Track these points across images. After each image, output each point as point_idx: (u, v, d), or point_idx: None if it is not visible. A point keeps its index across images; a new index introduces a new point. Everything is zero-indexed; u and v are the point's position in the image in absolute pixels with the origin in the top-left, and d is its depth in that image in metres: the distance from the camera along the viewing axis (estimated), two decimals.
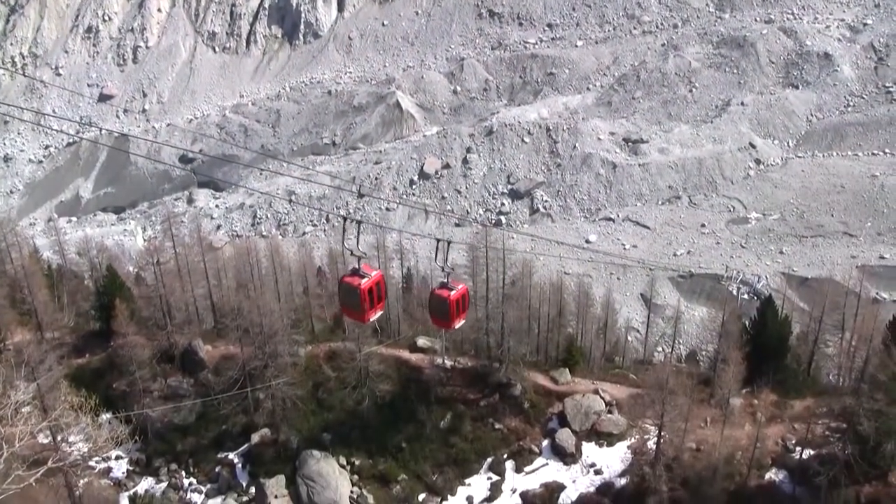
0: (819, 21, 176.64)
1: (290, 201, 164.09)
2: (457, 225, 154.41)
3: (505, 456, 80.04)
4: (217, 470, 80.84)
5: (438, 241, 42.73)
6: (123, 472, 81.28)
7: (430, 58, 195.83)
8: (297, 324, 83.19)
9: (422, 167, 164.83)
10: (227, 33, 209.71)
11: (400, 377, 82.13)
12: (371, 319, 42.93)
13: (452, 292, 44.26)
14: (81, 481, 67.25)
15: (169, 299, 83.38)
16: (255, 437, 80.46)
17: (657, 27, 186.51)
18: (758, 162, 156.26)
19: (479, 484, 78.97)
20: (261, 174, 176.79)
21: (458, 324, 46.64)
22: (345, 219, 41.36)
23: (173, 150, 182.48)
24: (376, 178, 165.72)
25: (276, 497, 77.04)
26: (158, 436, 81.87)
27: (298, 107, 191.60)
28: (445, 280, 44.99)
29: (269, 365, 76.48)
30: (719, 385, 75.36)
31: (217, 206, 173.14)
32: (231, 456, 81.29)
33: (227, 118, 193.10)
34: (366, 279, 40.93)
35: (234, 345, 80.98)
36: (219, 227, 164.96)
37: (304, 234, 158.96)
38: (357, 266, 41.40)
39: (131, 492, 79.35)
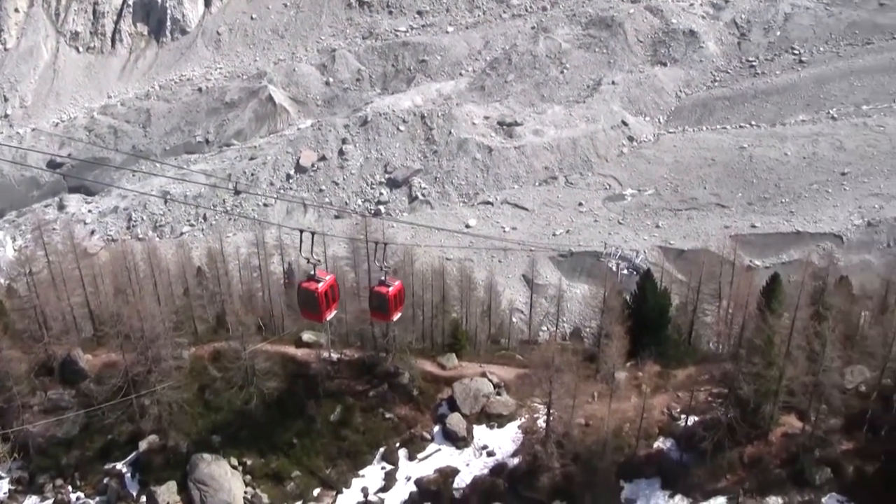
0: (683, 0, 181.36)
1: (166, 202, 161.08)
2: (336, 217, 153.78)
3: (397, 444, 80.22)
4: (105, 481, 78.90)
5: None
6: (5, 493, 78.75)
7: (301, 50, 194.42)
8: (179, 326, 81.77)
9: (298, 161, 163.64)
10: (90, 32, 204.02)
11: (287, 373, 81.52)
12: (328, 318, 48.74)
13: (390, 288, 50.46)
14: None
15: (44, 310, 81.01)
16: (143, 445, 78.78)
17: (526, 10, 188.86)
18: (631, 139, 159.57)
19: (373, 474, 79.01)
20: (134, 176, 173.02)
21: (396, 316, 53.79)
22: (302, 231, 45.11)
23: (40, 155, 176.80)
24: (252, 174, 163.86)
25: None
26: (41, 451, 79.53)
27: (169, 105, 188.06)
28: (383, 278, 50.83)
29: (153, 370, 75.04)
30: (604, 360, 76.86)
31: (90, 210, 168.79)
32: (119, 466, 79.46)
33: (95, 120, 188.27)
34: (321, 283, 46.53)
35: (115, 352, 79.23)
36: (93, 232, 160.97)
37: (181, 234, 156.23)
38: (313, 272, 46.49)
39: None
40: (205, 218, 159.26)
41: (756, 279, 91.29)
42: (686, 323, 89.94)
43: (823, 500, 66.73)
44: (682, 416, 74.64)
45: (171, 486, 76.71)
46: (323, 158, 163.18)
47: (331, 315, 48.88)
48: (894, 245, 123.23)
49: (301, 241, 44.85)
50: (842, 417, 69.32)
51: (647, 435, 74.01)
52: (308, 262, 46.55)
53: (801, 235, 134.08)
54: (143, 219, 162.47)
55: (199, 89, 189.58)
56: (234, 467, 78.01)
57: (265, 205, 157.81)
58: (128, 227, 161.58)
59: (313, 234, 45.18)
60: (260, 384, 78.10)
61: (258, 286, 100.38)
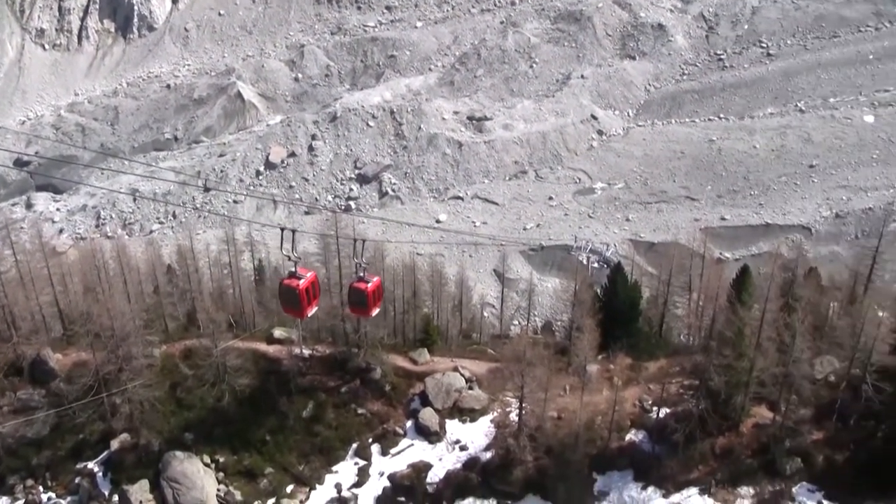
0: None
1: (135, 200, 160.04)
2: (306, 213, 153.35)
3: (370, 440, 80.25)
4: (77, 481, 78.31)
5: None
6: None
7: (270, 46, 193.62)
8: (149, 324, 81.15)
9: (267, 157, 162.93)
10: (56, 29, 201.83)
11: (259, 370, 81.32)
12: (309, 314, 50.87)
13: (369, 285, 52.22)
14: None
15: (12, 309, 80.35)
16: (115, 444, 78.30)
17: (495, 5, 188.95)
18: (600, 133, 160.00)
19: (346, 470, 79.00)
20: (102, 174, 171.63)
21: (375, 312, 55.18)
22: (282, 229, 46.66)
23: (7, 153, 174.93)
24: (222, 171, 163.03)
25: (140, 502, 75.47)
26: (11, 452, 78.78)
27: (137, 102, 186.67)
28: (362, 274, 52.41)
29: (124, 368, 74.60)
30: (575, 353, 77.10)
31: (58, 209, 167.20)
32: (90, 465, 78.92)
33: (62, 118, 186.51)
34: (303, 280, 48.52)
35: (85, 351, 78.61)
36: (61, 230, 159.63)
37: (151, 232, 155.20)
38: (294, 269, 48.52)
39: None
40: (174, 215, 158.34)
41: (726, 271, 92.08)
42: (657, 315, 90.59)
43: (794, 489, 67.40)
44: (654, 409, 75.21)
45: (144, 484, 76.31)
46: (292, 155, 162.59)
47: (312, 311, 50.69)
48: (862, 236, 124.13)
49: (282, 238, 45.88)
50: (812, 407, 70.11)
51: (619, 427, 74.34)
52: (289, 259, 48.00)
53: (770, 227, 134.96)
54: (112, 217, 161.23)
55: (168, 86, 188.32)
56: (206, 465, 77.72)
57: (235, 202, 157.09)
58: (97, 226, 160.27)
59: (294, 231, 46.45)
60: (232, 381, 77.88)
61: (229, 283, 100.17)
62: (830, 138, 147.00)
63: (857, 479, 65.71)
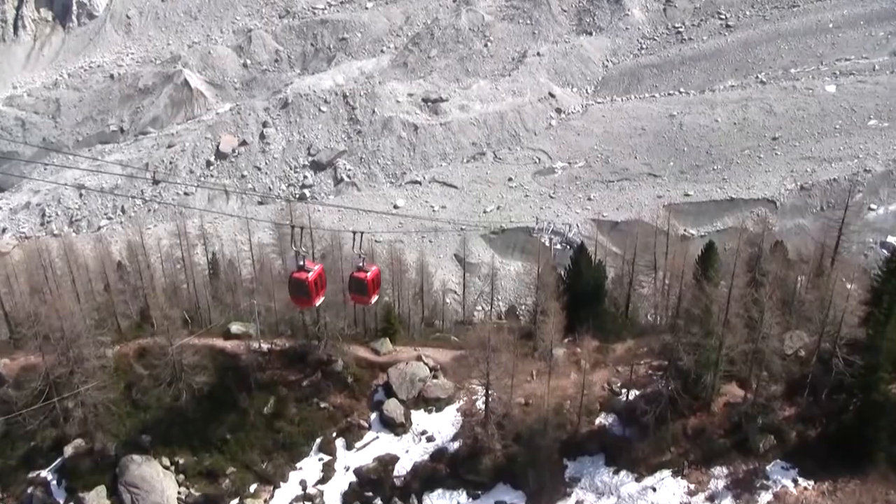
0: None
1: (81, 195, 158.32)
2: (260, 203, 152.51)
3: (334, 434, 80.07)
4: (29, 491, 77.34)
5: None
6: None
7: (217, 31, 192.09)
8: (101, 324, 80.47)
9: (217, 147, 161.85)
10: None
11: (216, 367, 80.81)
12: (317, 304, 58.19)
13: (368, 274, 57.98)
14: None
15: None
16: (69, 450, 77.48)
17: None
18: (559, 111, 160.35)
19: (310, 466, 78.79)
20: (45, 169, 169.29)
21: (374, 298, 61.79)
22: (292, 227, 56.48)
23: None
24: (171, 163, 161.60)
25: None
26: None
27: (79, 94, 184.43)
28: (361, 264, 58.03)
29: (76, 371, 73.75)
30: (541, 337, 77.49)
31: (0, 207, 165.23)
32: (44, 473, 78.06)
33: (0, 112, 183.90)
34: (311, 273, 54.21)
35: (34, 354, 77.40)
36: (4, 230, 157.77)
37: (99, 228, 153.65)
38: (301, 263, 54.01)
39: None
40: (123, 210, 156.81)
41: (691, 248, 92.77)
42: (623, 296, 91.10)
43: (768, 467, 68.00)
44: (623, 391, 75.64)
45: (101, 490, 75.73)
46: (244, 143, 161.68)
47: (319, 301, 57.50)
48: (828, 208, 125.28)
49: (292, 236, 53.93)
50: (783, 384, 70.67)
51: (588, 411, 74.70)
52: (297, 254, 54.11)
53: (734, 202, 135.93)
54: (57, 214, 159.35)
55: (111, 76, 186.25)
56: (165, 467, 77.25)
57: (186, 193, 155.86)
58: (42, 224, 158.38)
59: (302, 228, 53.58)
60: (189, 379, 77.23)
61: (182, 278, 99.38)
62: (793, 109, 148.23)
63: (831, 453, 66.45)
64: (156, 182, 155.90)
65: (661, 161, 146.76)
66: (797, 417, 69.87)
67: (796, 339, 74.39)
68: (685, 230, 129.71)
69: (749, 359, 68.59)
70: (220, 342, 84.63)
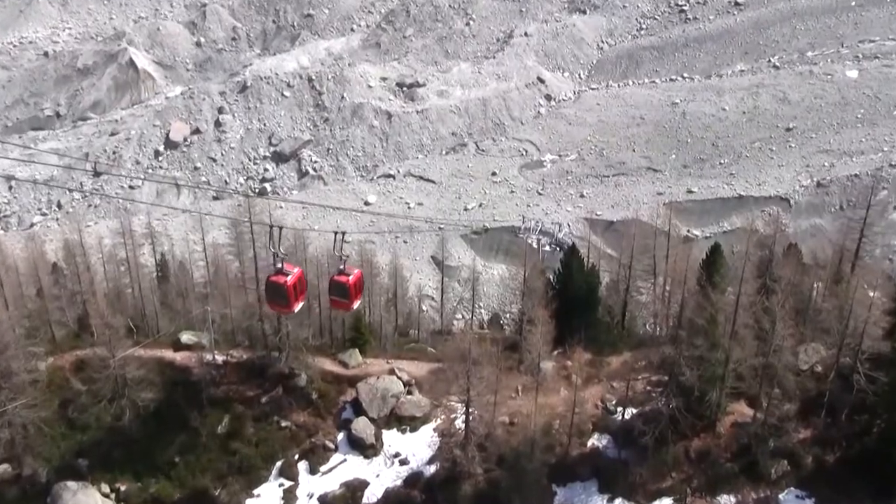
0: None
1: (11, 188, 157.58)
2: (215, 198, 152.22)
3: (296, 457, 79.91)
4: None
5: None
6: None
7: (166, 6, 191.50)
8: (32, 333, 79.94)
9: (167, 135, 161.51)
10: None
11: (164, 381, 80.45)
12: (296, 310, 57.39)
13: (350, 277, 58.20)
14: None
15: None
16: None
17: None
18: (548, 98, 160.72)
19: (269, 492, 78.56)
20: None
21: (356, 304, 61.82)
22: (270, 226, 54.59)
23: None
24: (114, 153, 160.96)
25: None
26: None
27: (9, 74, 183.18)
28: (342, 266, 58.01)
29: (3, 386, 73.06)
30: (528, 349, 77.32)
31: None
32: None
33: None
34: (290, 276, 54.28)
35: None
36: None
37: (32, 225, 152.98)
38: (280, 265, 53.85)
39: None
40: (59, 205, 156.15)
41: (695, 251, 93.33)
42: (618, 303, 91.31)
43: (781, 495, 68.34)
44: (619, 409, 75.88)
45: None
46: (197, 131, 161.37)
47: (299, 307, 57.11)
48: (848, 207, 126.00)
49: (270, 236, 52.94)
50: (797, 402, 71.03)
51: (580, 432, 74.85)
52: (275, 256, 53.76)
53: (743, 200, 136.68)
54: None
55: (45, 54, 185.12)
56: (105, 495, 76.89)
57: (131, 187, 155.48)
58: None
59: (281, 228, 53.10)
60: (133, 395, 76.89)
61: (127, 282, 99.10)
62: (809, 97, 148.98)
63: (851, 480, 66.76)
64: (97, 174, 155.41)
65: (661, 154, 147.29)
66: (813, 440, 70.27)
67: (812, 353, 74.78)
68: (688, 231, 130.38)
69: (759, 374, 68.78)
70: (168, 354, 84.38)
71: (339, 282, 58.67)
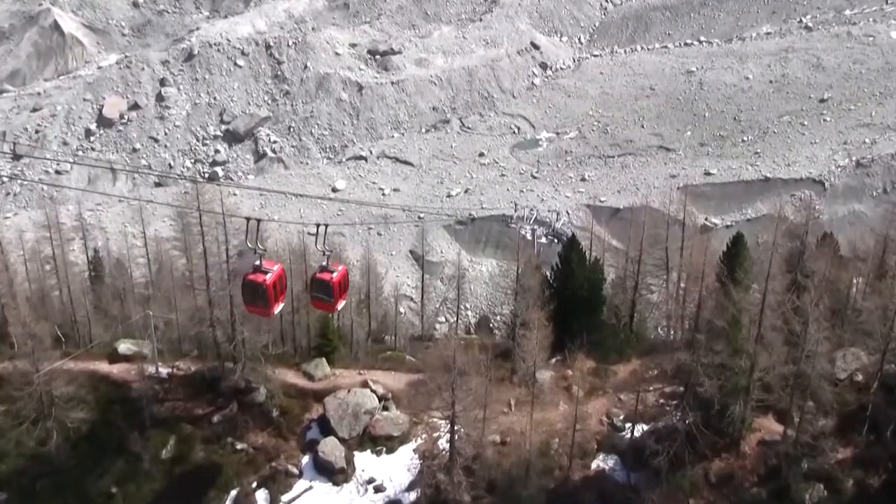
0: None
1: None
2: (157, 184, 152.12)
3: (254, 485, 79.67)
4: None
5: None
6: None
7: None
8: None
9: (100, 111, 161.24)
10: None
11: (99, 399, 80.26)
12: (275, 312, 58.19)
13: (334, 274, 58.78)
14: None
15: None
16: None
17: None
18: (544, 66, 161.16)
19: None
20: None
21: (341, 304, 62.12)
22: (248, 219, 53.10)
23: None
24: (37, 131, 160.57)
25: None
26: None
27: None
28: (325, 263, 58.97)
29: None
30: (522, 356, 77.45)
31: None
32: None
33: None
34: (269, 275, 54.67)
35: None
36: None
37: None
38: (258, 262, 54.22)
39: None
40: None
41: (714, 242, 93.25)
42: (626, 303, 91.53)
43: None
44: (627, 426, 75.91)
45: None
46: (135, 107, 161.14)
47: (278, 308, 57.57)
48: (892, 190, 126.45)
49: (247, 230, 52.60)
50: (834, 416, 70.99)
51: (582, 452, 75.07)
52: (255, 252, 54.14)
53: (770, 183, 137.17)
54: None
55: None
56: None
57: (58, 172, 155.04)
58: None
59: (259, 221, 52.33)
60: (61, 416, 76.56)
61: (54, 283, 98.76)
62: (847, 63, 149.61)
63: None
64: (16, 157, 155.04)
65: (675, 130, 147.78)
66: (854, 460, 70.35)
67: (851, 360, 75.00)
68: (706, 218, 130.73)
69: (790, 384, 68.84)
70: (103, 366, 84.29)
71: (323, 279, 59.02)
